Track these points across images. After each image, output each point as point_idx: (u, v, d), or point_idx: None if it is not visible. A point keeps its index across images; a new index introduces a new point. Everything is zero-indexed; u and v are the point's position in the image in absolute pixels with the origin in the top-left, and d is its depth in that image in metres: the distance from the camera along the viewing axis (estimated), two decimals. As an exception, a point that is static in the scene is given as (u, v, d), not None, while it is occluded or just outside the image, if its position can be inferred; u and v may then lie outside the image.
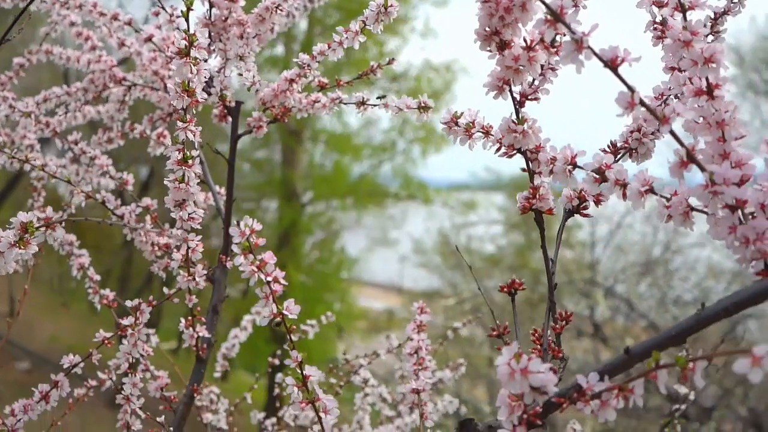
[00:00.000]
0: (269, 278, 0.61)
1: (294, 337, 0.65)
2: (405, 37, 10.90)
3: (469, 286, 8.03)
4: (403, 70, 9.54)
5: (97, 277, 1.10)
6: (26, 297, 1.21)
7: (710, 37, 0.71)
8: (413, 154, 11.78)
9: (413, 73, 9.90)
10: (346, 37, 0.86)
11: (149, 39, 0.99)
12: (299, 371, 0.64)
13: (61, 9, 1.14)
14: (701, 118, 0.54)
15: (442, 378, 1.41)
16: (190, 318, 0.95)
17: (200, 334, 0.96)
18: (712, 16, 0.70)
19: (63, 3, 1.10)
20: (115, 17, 1.10)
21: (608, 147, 0.68)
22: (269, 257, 0.62)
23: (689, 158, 0.50)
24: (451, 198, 11.24)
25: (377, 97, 0.89)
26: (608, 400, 0.50)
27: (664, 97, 0.68)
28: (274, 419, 1.49)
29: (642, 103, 0.49)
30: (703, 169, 0.50)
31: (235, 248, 0.60)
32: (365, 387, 1.26)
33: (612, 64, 0.50)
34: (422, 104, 0.83)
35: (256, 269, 0.61)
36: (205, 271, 0.90)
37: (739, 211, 0.52)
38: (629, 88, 0.50)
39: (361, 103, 0.92)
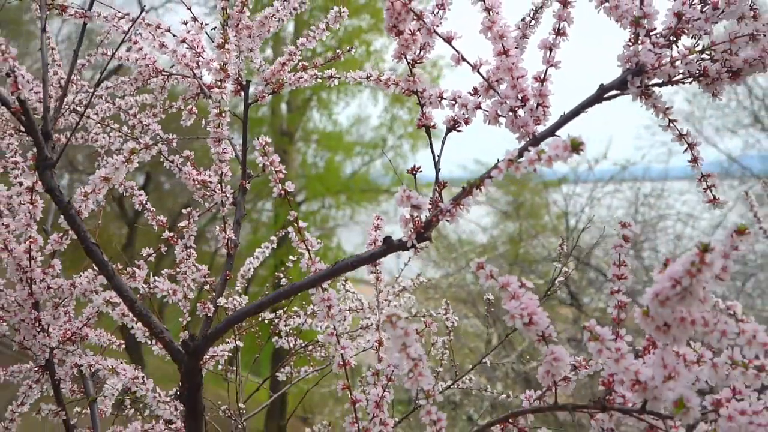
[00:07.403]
0: (277, 168, 1.08)
1: (293, 208, 1.12)
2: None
3: (463, 276, 8.42)
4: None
5: (153, 209, 1.58)
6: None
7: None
8: (403, 149, 12.28)
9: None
10: (318, 32, 1.36)
11: (183, 41, 1.46)
12: (296, 224, 1.11)
13: (118, 22, 1.61)
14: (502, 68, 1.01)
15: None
16: (222, 225, 1.43)
17: (230, 237, 1.43)
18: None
19: (120, 17, 1.57)
20: (158, 26, 1.58)
21: (473, 89, 1.16)
22: (276, 157, 1.09)
23: (489, 87, 0.98)
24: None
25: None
26: (454, 213, 0.97)
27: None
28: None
29: (463, 59, 0.97)
30: (496, 92, 0.98)
31: (257, 152, 1.08)
32: (345, 290, 1.73)
33: (448, 40, 0.98)
34: (369, 75, 1.31)
35: (269, 164, 1.08)
36: (233, 191, 1.38)
37: (520, 111, 0.99)
38: (456, 51, 0.98)
39: (331, 77, 1.40)
